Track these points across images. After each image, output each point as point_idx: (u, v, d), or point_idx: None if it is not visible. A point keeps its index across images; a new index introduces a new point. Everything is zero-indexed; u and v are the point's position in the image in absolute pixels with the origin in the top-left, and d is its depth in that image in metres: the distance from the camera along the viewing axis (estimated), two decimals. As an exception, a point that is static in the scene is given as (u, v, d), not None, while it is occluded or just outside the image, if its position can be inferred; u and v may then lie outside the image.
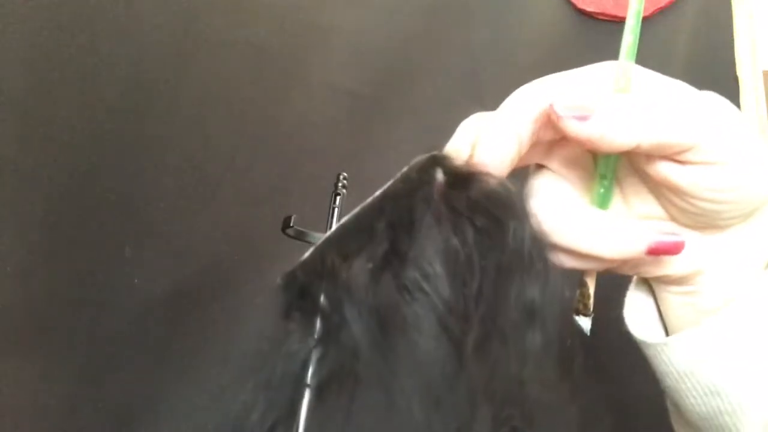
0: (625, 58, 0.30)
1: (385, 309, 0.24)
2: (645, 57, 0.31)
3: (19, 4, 0.52)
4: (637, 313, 0.35)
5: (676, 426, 0.38)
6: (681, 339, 0.32)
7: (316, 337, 0.25)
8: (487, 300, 0.25)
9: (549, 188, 0.31)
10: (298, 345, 0.25)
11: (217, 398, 0.56)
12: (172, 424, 0.56)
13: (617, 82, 0.29)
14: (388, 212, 0.26)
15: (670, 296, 0.33)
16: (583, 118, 0.27)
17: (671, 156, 0.28)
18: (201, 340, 0.58)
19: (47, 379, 0.50)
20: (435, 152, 0.28)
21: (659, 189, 0.30)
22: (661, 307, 0.34)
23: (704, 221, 0.30)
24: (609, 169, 0.31)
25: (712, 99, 0.29)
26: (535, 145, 0.30)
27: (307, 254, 0.26)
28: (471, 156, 0.28)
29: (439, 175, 0.27)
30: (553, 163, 0.31)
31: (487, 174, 0.27)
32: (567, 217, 0.29)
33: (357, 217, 0.27)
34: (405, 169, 0.27)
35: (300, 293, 0.26)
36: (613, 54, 0.31)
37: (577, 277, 0.34)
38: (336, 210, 0.50)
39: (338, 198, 0.50)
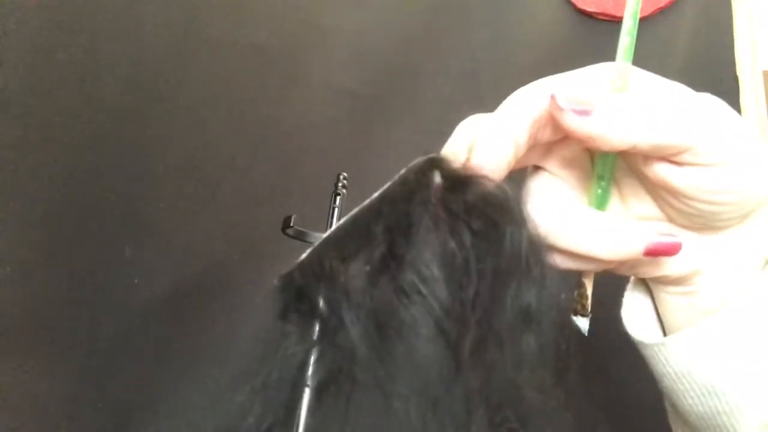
0: (622, 59, 0.30)
1: (382, 312, 0.24)
2: (645, 57, 0.31)
3: (19, 4, 0.52)
4: (635, 314, 0.35)
5: (674, 426, 0.38)
6: (678, 339, 0.32)
7: (313, 339, 0.25)
8: (483, 304, 0.25)
9: (546, 189, 0.31)
10: (295, 347, 0.25)
11: (217, 398, 0.56)
12: (172, 424, 0.56)
13: (614, 83, 0.30)
14: (386, 215, 0.26)
15: (667, 296, 0.33)
16: (583, 113, 0.27)
17: (668, 157, 0.28)
18: (201, 340, 0.58)
19: (47, 379, 0.50)
20: (433, 154, 0.28)
21: (657, 190, 0.30)
22: (659, 308, 0.35)
23: (701, 222, 0.30)
24: (606, 170, 0.31)
25: (710, 101, 0.29)
26: (533, 146, 0.30)
27: (304, 256, 0.26)
28: (468, 159, 0.28)
29: (437, 178, 0.27)
30: (551, 165, 0.31)
31: (485, 177, 0.27)
32: (564, 218, 0.29)
33: (354, 219, 0.27)
34: (403, 171, 0.27)
35: (297, 295, 0.26)
36: (612, 54, 0.31)
37: (574, 278, 0.34)
38: (336, 210, 0.50)
39: (338, 198, 0.50)
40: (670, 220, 0.31)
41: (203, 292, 0.60)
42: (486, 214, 0.26)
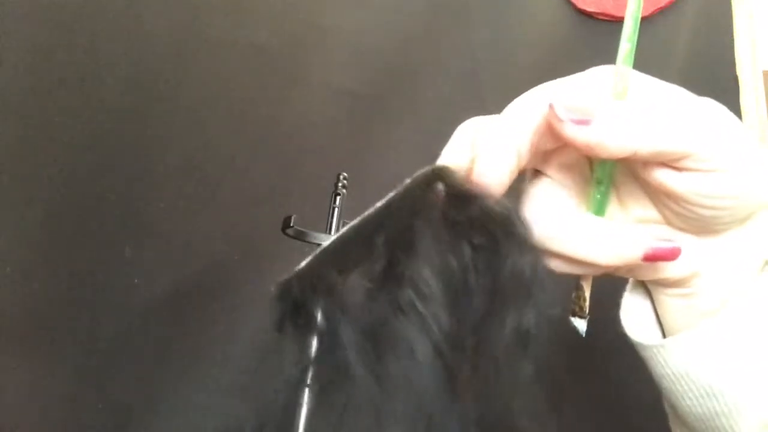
0: (622, 63, 0.30)
1: (379, 330, 0.24)
2: (644, 57, 0.31)
3: (19, 4, 0.52)
4: (634, 315, 0.35)
5: (673, 427, 0.38)
6: (677, 341, 0.32)
7: (309, 357, 0.25)
8: (482, 326, 0.25)
9: (545, 194, 0.31)
10: (290, 368, 0.25)
11: (217, 399, 0.56)
12: (172, 424, 0.56)
13: (614, 88, 0.29)
14: (388, 227, 0.26)
15: (666, 298, 0.33)
16: (582, 123, 0.27)
17: (668, 163, 0.28)
18: (201, 340, 0.58)
19: (47, 379, 0.50)
20: (438, 166, 0.28)
21: (656, 194, 0.30)
22: (658, 309, 0.34)
23: (700, 226, 0.30)
24: (605, 174, 0.31)
25: (710, 106, 0.29)
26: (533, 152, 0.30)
27: (302, 265, 0.26)
28: (470, 169, 0.28)
29: (441, 193, 0.26)
30: (550, 169, 0.31)
31: (488, 194, 0.27)
32: (563, 223, 0.29)
33: (356, 230, 0.26)
34: (407, 181, 0.27)
35: (294, 306, 0.26)
36: (613, 54, 0.31)
37: (573, 280, 0.34)
38: (336, 210, 0.50)
39: (338, 198, 0.50)
40: (669, 223, 0.31)
41: (203, 292, 0.60)
42: (489, 234, 0.26)
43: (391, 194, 0.26)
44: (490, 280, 0.25)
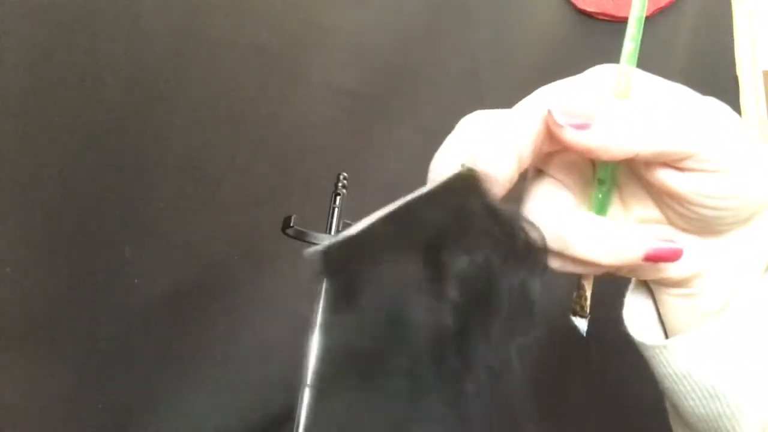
0: (625, 62, 0.30)
1: (398, 309, 0.24)
2: (645, 57, 0.31)
3: (19, 4, 0.52)
4: (637, 315, 0.35)
5: (675, 427, 0.38)
6: (680, 341, 0.32)
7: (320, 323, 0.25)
8: (497, 332, 0.25)
9: (547, 194, 0.31)
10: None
11: (217, 398, 0.56)
12: (172, 424, 0.56)
13: (617, 87, 0.29)
14: (429, 223, 0.26)
15: (669, 298, 0.33)
16: (582, 127, 0.27)
17: (671, 163, 0.28)
18: (201, 340, 0.58)
19: (47, 379, 0.50)
20: (473, 169, 0.28)
21: (658, 194, 0.30)
22: (661, 309, 0.34)
23: (703, 226, 0.30)
24: (607, 174, 0.31)
25: (713, 105, 0.29)
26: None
27: (352, 231, 0.25)
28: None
29: (480, 200, 0.27)
30: (552, 168, 0.31)
31: (520, 212, 0.28)
32: (564, 223, 0.29)
33: (396, 214, 0.26)
34: (450, 176, 0.27)
35: (332, 268, 0.25)
36: (613, 54, 0.31)
37: (574, 279, 0.34)
38: (336, 210, 0.50)
39: (338, 198, 0.50)
40: (672, 223, 0.31)
41: (203, 292, 0.60)
42: (515, 249, 0.27)
43: (431, 187, 0.26)
44: (509, 289, 0.26)
